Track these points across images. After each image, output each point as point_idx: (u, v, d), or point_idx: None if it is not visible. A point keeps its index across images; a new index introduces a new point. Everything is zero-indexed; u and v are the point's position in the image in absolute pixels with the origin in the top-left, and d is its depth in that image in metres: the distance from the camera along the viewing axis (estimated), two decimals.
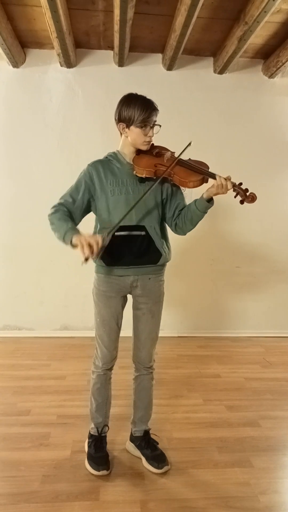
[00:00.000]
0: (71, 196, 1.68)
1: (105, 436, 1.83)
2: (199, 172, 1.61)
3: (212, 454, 1.88)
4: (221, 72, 3.28)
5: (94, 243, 1.44)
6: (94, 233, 1.73)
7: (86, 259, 1.44)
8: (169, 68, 3.24)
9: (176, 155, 1.63)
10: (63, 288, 3.45)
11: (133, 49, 3.13)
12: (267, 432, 2.08)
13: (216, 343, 3.41)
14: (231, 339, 3.51)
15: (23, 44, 3.10)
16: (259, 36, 2.88)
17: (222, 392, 2.50)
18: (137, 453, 1.84)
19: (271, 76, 3.33)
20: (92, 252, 1.43)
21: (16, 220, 3.36)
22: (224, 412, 2.27)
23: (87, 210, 1.72)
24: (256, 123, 3.41)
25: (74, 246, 1.51)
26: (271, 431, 2.08)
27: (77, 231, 1.54)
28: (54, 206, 1.67)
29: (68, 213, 1.65)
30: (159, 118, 1.65)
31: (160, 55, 3.25)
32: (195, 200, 1.65)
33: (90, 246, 1.44)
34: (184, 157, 1.66)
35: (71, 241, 1.52)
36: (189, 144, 1.56)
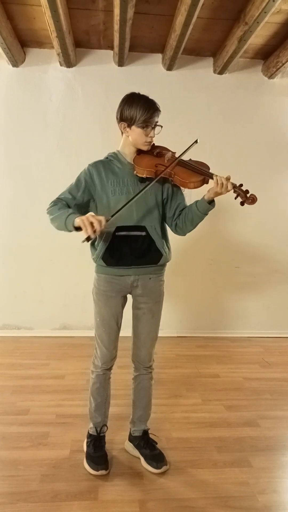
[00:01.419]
0: (70, 193, 1.68)
1: (104, 436, 1.84)
2: (200, 173, 1.61)
3: (211, 454, 1.88)
4: (221, 72, 3.29)
5: (96, 222, 1.44)
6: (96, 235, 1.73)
7: (88, 238, 1.45)
8: (169, 68, 3.24)
9: (177, 155, 1.63)
10: (62, 288, 3.45)
11: (133, 49, 3.13)
12: (266, 432, 2.08)
13: (216, 343, 3.41)
14: (230, 339, 3.52)
15: (23, 43, 3.10)
16: (259, 36, 2.89)
17: (221, 392, 2.51)
18: (136, 452, 1.84)
19: (271, 76, 3.33)
20: (94, 231, 1.43)
21: (16, 219, 3.36)
22: (223, 412, 2.27)
23: (85, 209, 1.71)
24: (256, 123, 3.41)
25: (77, 229, 1.50)
26: (270, 431, 2.08)
27: (78, 214, 1.53)
28: (52, 202, 1.67)
29: (67, 207, 1.65)
30: (158, 118, 1.65)
31: (160, 55, 3.25)
32: (196, 201, 1.64)
33: (92, 224, 1.44)
34: (185, 157, 1.66)
35: (73, 224, 1.50)
36: (195, 141, 1.56)
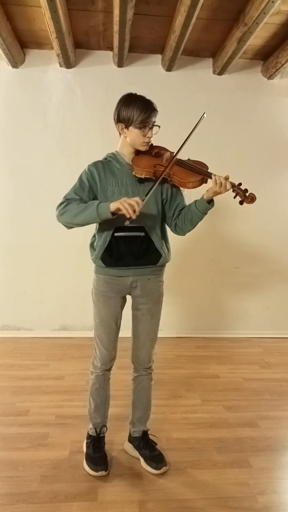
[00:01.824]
0: (77, 193, 1.66)
1: (104, 437, 1.83)
2: (198, 172, 1.61)
3: (210, 454, 1.88)
4: (220, 73, 3.29)
5: (134, 203, 1.47)
6: (94, 233, 1.73)
7: (130, 219, 1.48)
8: (169, 68, 3.25)
9: (174, 154, 1.63)
10: (62, 288, 3.45)
11: (132, 50, 3.13)
12: (266, 432, 2.08)
13: (215, 344, 3.41)
14: (230, 340, 3.52)
15: (22, 44, 3.10)
16: (258, 37, 2.89)
17: (221, 393, 2.51)
18: (136, 453, 1.84)
19: (270, 77, 3.33)
20: (134, 211, 1.47)
21: (15, 219, 3.36)
22: (222, 412, 2.27)
23: None
24: (255, 124, 3.42)
25: (113, 213, 1.52)
26: (269, 431, 2.08)
27: (106, 202, 1.55)
28: (61, 203, 1.64)
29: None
30: (158, 119, 1.65)
31: (159, 56, 3.25)
32: (196, 201, 1.65)
33: (131, 205, 1.47)
34: (183, 157, 1.66)
35: (109, 210, 1.51)
36: (203, 115, 1.57)
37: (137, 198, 1.49)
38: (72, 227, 1.69)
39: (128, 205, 1.46)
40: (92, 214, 1.55)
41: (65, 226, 1.69)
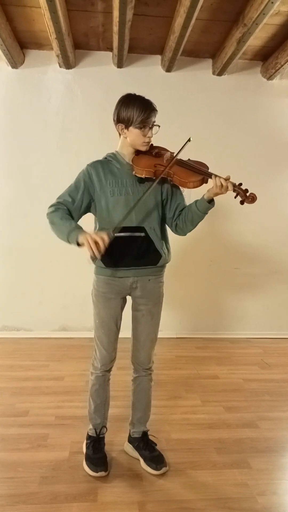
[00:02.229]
0: (70, 195, 1.67)
1: (103, 437, 1.83)
2: (199, 172, 1.61)
3: (210, 455, 1.88)
4: (220, 73, 3.29)
5: (100, 241, 1.44)
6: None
7: (93, 258, 1.45)
8: (168, 69, 3.25)
9: (174, 154, 1.63)
10: (62, 289, 3.45)
11: (132, 51, 3.13)
12: (266, 433, 2.08)
13: (215, 344, 3.41)
14: (229, 340, 3.52)
15: (22, 44, 3.10)
16: (258, 38, 2.89)
17: (221, 393, 2.51)
18: (135, 454, 1.84)
19: (269, 78, 3.34)
20: (99, 250, 1.44)
21: (15, 220, 3.36)
22: (222, 413, 2.27)
23: (86, 211, 1.71)
24: (255, 124, 3.42)
25: (79, 245, 1.51)
26: (269, 432, 2.08)
27: (81, 230, 1.54)
28: (52, 205, 1.66)
29: (68, 212, 1.65)
30: (158, 120, 1.65)
31: (159, 57, 3.26)
32: (196, 201, 1.65)
33: (96, 243, 1.44)
34: (184, 157, 1.66)
35: (76, 241, 1.51)
36: (188, 140, 1.56)
37: (104, 235, 1.46)
38: None
39: (93, 243, 1.43)
40: (64, 235, 1.57)
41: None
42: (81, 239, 1.49)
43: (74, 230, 1.54)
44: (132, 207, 1.57)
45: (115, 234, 1.56)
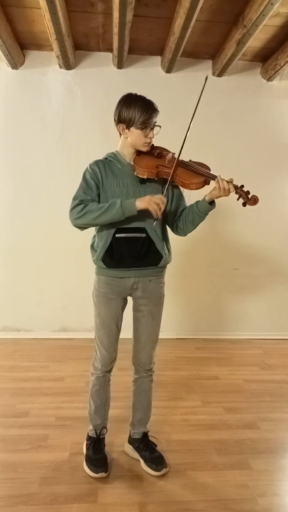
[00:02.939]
0: (86, 193, 1.64)
1: (104, 438, 1.83)
2: (202, 174, 1.61)
3: (210, 456, 1.88)
4: (219, 74, 3.30)
5: (160, 201, 1.52)
6: (94, 234, 1.73)
7: (156, 219, 1.54)
8: (168, 70, 3.25)
9: (176, 155, 1.63)
10: (62, 290, 3.45)
11: (132, 52, 3.14)
12: (266, 434, 2.08)
13: (215, 345, 3.41)
14: (230, 341, 3.51)
15: (22, 45, 3.11)
16: (257, 39, 2.90)
17: (221, 394, 2.50)
18: (136, 455, 1.83)
19: (269, 79, 3.34)
20: (160, 209, 1.51)
21: (15, 221, 3.36)
22: (222, 414, 2.26)
23: None
24: (255, 125, 3.42)
25: (138, 211, 1.55)
26: (270, 433, 2.08)
27: (130, 200, 1.56)
28: (75, 205, 1.61)
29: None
30: (158, 121, 1.65)
31: (159, 58, 3.26)
32: (197, 202, 1.65)
33: (157, 204, 1.51)
34: (185, 158, 1.66)
35: (135, 208, 1.53)
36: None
37: (161, 196, 1.53)
38: (87, 228, 1.68)
39: (155, 204, 1.51)
40: (118, 213, 1.55)
41: (81, 227, 1.67)
42: (140, 205, 1.53)
43: (124, 202, 1.55)
44: (166, 186, 1.59)
45: (116, 235, 1.56)
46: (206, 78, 1.61)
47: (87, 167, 1.69)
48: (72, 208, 1.62)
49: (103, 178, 1.65)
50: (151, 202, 1.51)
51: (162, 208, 1.52)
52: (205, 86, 1.59)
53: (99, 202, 1.65)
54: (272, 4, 2.23)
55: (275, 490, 1.67)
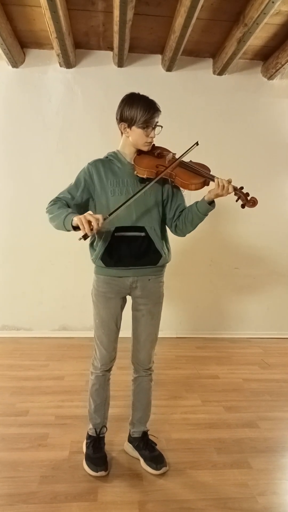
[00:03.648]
0: (70, 192, 1.67)
1: (103, 437, 1.83)
2: (201, 174, 1.61)
3: (210, 455, 1.88)
4: (220, 73, 3.29)
5: (94, 220, 1.44)
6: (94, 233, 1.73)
7: (84, 236, 1.47)
8: (169, 69, 3.25)
9: (177, 156, 1.63)
10: (62, 289, 3.45)
11: (132, 50, 3.13)
12: (266, 433, 2.08)
13: (215, 344, 3.41)
14: (229, 340, 3.52)
15: (22, 44, 3.10)
16: (258, 37, 2.89)
17: (221, 393, 2.51)
18: (135, 454, 1.84)
19: (270, 77, 3.34)
20: (91, 229, 1.44)
21: (15, 220, 3.36)
22: (222, 413, 2.27)
23: (84, 209, 1.70)
24: (255, 124, 3.42)
25: (75, 228, 1.51)
26: (269, 432, 2.08)
27: (76, 214, 1.53)
28: (52, 200, 1.67)
29: (67, 206, 1.64)
30: (159, 118, 1.65)
31: (159, 56, 3.26)
32: (196, 202, 1.65)
33: (89, 222, 1.44)
34: (186, 159, 1.66)
35: (71, 223, 1.50)
36: (196, 144, 1.56)
37: (99, 216, 1.46)
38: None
39: (86, 221, 1.44)
40: (60, 222, 1.55)
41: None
42: (75, 220, 1.48)
43: (70, 214, 1.53)
44: (129, 198, 1.55)
45: (115, 234, 1.55)
46: (197, 144, 1.60)
47: (85, 166, 1.70)
48: (49, 202, 1.66)
49: (101, 179, 1.66)
50: (84, 218, 1.45)
51: (95, 227, 1.43)
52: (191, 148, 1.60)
53: (82, 202, 1.67)
54: (273, 2, 2.22)
55: (274, 489, 1.67)
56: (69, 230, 1.55)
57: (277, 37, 2.91)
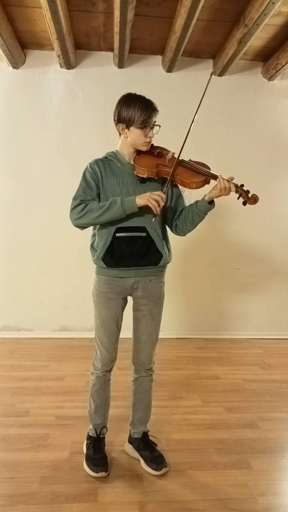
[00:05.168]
0: (86, 193, 1.64)
1: (104, 438, 1.83)
2: (202, 173, 1.61)
3: (210, 456, 1.88)
4: (220, 74, 3.29)
5: (160, 198, 1.51)
6: (94, 233, 1.73)
7: (155, 215, 1.55)
8: (169, 70, 3.25)
9: (176, 154, 1.63)
10: (62, 289, 3.45)
11: (133, 51, 3.14)
12: (266, 433, 2.08)
13: (215, 345, 3.41)
14: (230, 341, 3.52)
15: (23, 45, 3.10)
16: (258, 38, 2.89)
17: (221, 394, 2.50)
18: (136, 454, 1.84)
19: (270, 78, 3.34)
20: (159, 205, 1.51)
21: (15, 221, 3.36)
22: (223, 413, 2.27)
23: None
24: (256, 125, 3.42)
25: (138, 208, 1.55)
26: (270, 433, 2.08)
27: (130, 196, 1.57)
28: (75, 205, 1.61)
29: None
30: (158, 120, 1.65)
31: (160, 57, 3.26)
32: (197, 202, 1.65)
33: (157, 201, 1.51)
34: (185, 158, 1.66)
35: (135, 205, 1.54)
36: (211, 76, 1.62)
37: (160, 193, 1.53)
38: (88, 227, 1.69)
39: (154, 201, 1.51)
40: (119, 211, 1.56)
41: (81, 227, 1.67)
42: (140, 202, 1.54)
43: (124, 200, 1.56)
44: (166, 185, 1.59)
45: (116, 235, 1.54)
46: (212, 74, 1.60)
47: (87, 166, 1.69)
48: (73, 209, 1.62)
49: (103, 177, 1.65)
50: (151, 198, 1.51)
51: (162, 204, 1.52)
52: (209, 84, 1.57)
53: (99, 201, 1.65)
54: (273, 3, 2.23)
55: (275, 489, 1.67)
56: (126, 214, 1.57)
57: (278, 38, 2.91)
